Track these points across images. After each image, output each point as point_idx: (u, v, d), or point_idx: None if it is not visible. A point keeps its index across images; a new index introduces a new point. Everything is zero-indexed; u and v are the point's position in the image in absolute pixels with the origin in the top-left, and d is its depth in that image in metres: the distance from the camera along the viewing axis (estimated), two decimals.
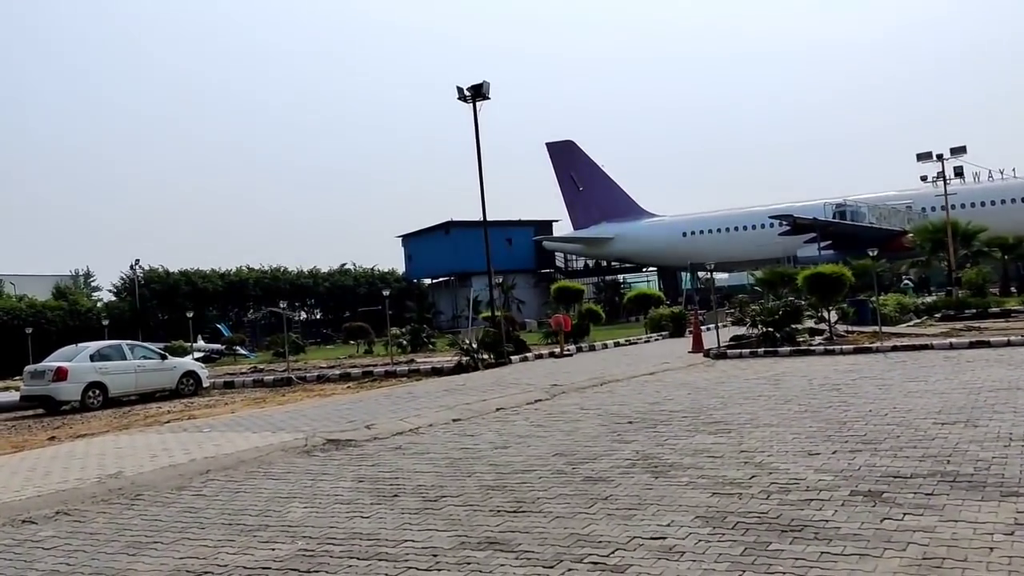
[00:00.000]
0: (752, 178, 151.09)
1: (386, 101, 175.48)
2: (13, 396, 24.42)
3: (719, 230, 70.57)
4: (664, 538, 6.13)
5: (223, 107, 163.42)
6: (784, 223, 59.34)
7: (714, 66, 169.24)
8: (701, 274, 77.01)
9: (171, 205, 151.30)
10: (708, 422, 11.40)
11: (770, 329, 22.21)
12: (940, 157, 39.02)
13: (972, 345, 18.69)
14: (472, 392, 16.83)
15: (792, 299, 24.41)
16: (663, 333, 32.66)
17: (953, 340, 19.39)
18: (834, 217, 59.86)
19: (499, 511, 7.28)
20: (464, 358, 23.44)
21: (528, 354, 25.76)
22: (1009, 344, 18.38)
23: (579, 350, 27.33)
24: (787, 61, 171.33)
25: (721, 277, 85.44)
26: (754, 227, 68.00)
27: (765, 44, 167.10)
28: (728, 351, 21.44)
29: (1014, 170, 58.10)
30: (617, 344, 29.15)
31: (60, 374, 22.11)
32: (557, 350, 26.19)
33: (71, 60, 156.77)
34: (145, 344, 28.25)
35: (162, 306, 64.85)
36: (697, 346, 23.03)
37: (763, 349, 21.28)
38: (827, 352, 20.20)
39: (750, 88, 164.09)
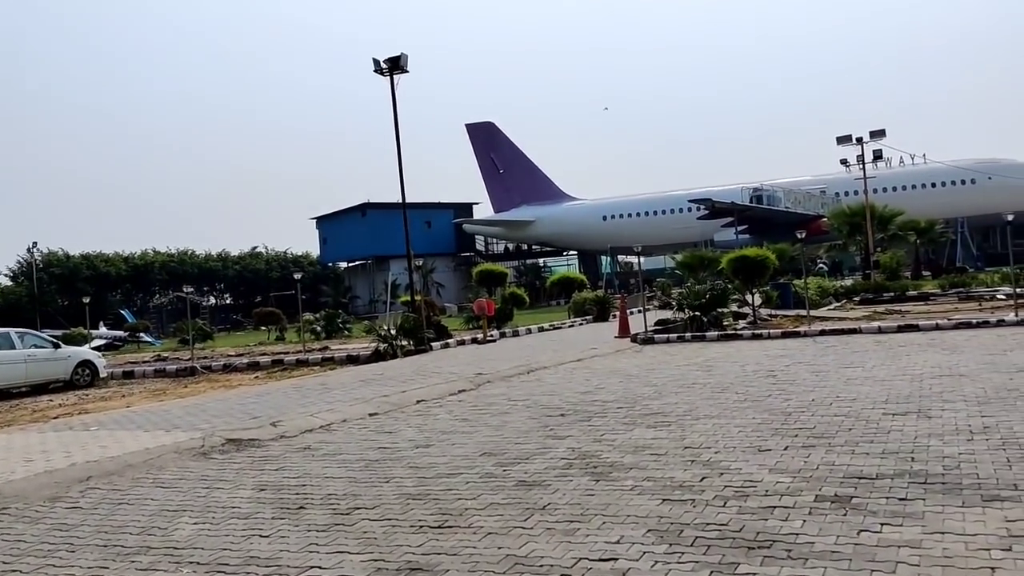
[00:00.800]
0: (673, 163, 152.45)
1: (301, 77, 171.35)
2: None
3: (639, 214, 70.71)
4: (615, 559, 5.27)
5: (125, 83, 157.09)
6: (703, 207, 59.60)
7: (638, 51, 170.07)
8: (621, 257, 77.18)
9: (72, 186, 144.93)
10: (645, 414, 10.65)
11: (697, 313, 21.70)
12: (860, 140, 39.33)
13: (901, 329, 18.46)
14: (390, 382, 15.78)
15: (719, 282, 23.99)
16: (587, 317, 32.04)
17: (881, 324, 19.14)
18: (751, 201, 60.37)
19: (421, 527, 6.33)
20: (382, 345, 22.32)
21: (449, 340, 24.77)
22: (938, 328, 18.20)
23: (502, 335, 26.47)
24: (711, 48, 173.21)
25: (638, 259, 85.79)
26: (673, 211, 68.33)
27: (691, 29, 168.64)
28: (655, 336, 20.85)
29: (924, 156, 59.44)
30: (541, 329, 28.38)
31: None
32: (480, 336, 25.26)
33: None
34: (36, 332, 26.40)
35: (62, 291, 61.90)
36: (624, 331, 22.39)
37: (690, 334, 20.74)
38: (755, 337, 19.77)
39: (674, 74, 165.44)
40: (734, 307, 24.99)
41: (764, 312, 25.38)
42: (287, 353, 26.90)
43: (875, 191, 53.83)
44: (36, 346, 22.64)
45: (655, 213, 69.81)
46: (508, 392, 13.77)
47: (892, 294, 31.21)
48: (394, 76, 24.75)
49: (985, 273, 37.47)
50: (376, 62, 24.66)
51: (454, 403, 13.02)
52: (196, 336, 38.86)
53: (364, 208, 71.31)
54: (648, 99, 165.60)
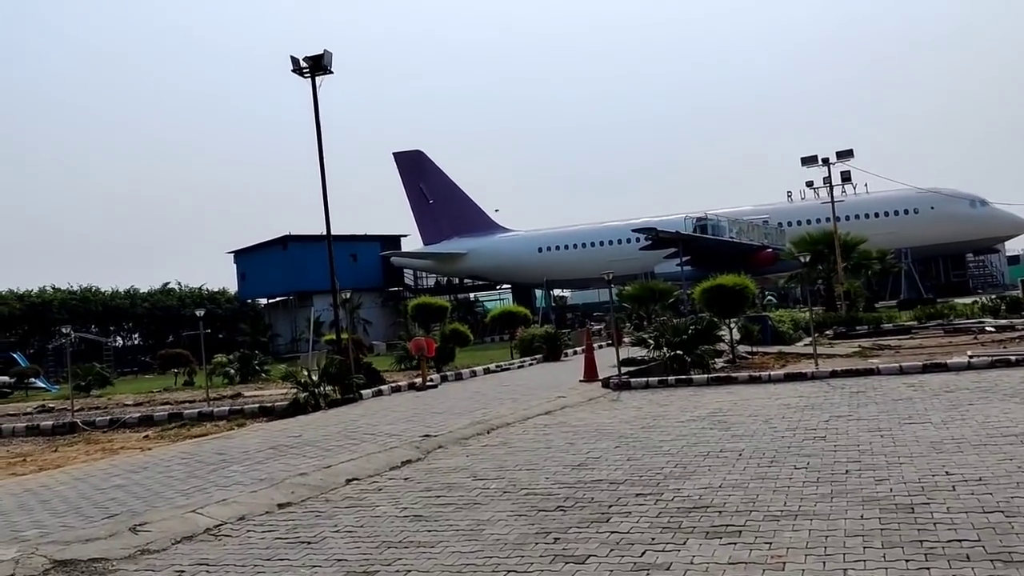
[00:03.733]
0: (613, 197, 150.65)
1: (216, 102, 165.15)
2: None
3: (576, 245, 68.09)
4: None
5: (14, 101, 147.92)
6: (645, 238, 57.08)
7: (572, 83, 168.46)
8: (556, 292, 74.42)
9: None
10: (686, 508, 7.28)
11: (679, 352, 18.51)
12: (826, 161, 37.21)
13: (926, 369, 15.54)
14: (310, 450, 12.04)
15: (703, 315, 20.91)
16: (536, 356, 28.64)
17: (903, 364, 16.19)
18: (695, 231, 58.02)
19: None
20: (301, 394, 18.52)
21: (383, 386, 21.05)
22: (971, 367, 15.30)
23: (444, 379, 22.85)
24: (648, 70, 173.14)
25: (567, 294, 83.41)
26: (611, 242, 65.87)
27: (633, 53, 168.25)
28: (632, 380, 17.54)
29: (866, 185, 58.03)
30: (487, 371, 24.82)
31: None
32: (418, 381, 21.61)
33: None
34: None
35: None
36: (591, 373, 19.03)
37: (673, 377, 17.51)
38: (753, 380, 16.62)
39: (609, 107, 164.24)
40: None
41: (742, 349, 22.38)
42: (192, 402, 23.00)
43: (819, 220, 52.14)
44: None
45: (593, 244, 67.20)
46: (470, 465, 10.23)
47: (867, 327, 28.66)
48: (316, 78, 21.25)
49: (963, 303, 35.39)
50: (295, 61, 21.10)
51: (398, 484, 9.44)
52: (93, 381, 34.66)
53: (285, 241, 67.32)
54: (573, 128, 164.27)
